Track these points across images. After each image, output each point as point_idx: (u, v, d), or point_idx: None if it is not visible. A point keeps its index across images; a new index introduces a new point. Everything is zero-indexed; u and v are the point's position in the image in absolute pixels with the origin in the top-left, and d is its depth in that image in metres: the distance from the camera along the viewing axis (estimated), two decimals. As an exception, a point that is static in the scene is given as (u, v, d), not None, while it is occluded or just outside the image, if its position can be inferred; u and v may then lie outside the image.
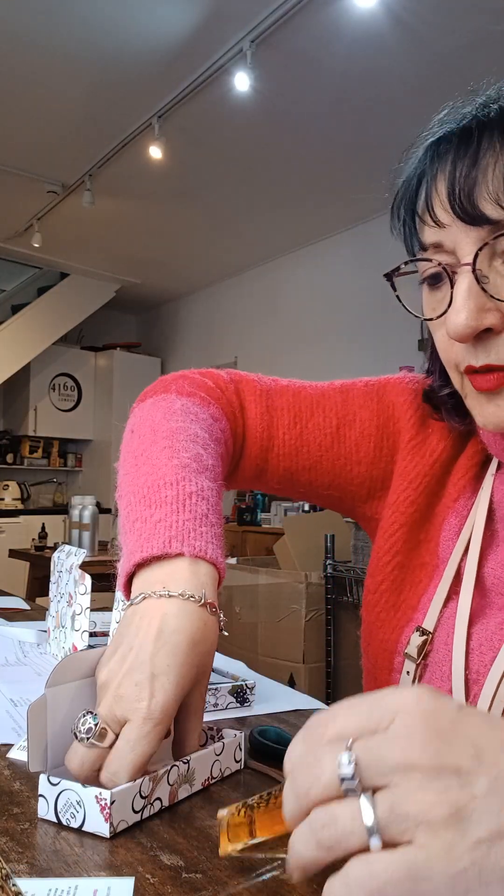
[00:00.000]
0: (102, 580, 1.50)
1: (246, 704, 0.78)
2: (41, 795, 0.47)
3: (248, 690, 0.79)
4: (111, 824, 0.45)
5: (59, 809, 0.47)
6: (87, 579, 0.90)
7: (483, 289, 0.51)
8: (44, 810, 0.47)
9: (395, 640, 0.65)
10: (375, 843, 0.29)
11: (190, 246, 5.43)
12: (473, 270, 0.51)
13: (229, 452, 0.70)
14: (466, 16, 2.76)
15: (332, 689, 2.79)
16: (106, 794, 0.45)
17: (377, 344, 4.66)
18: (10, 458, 6.35)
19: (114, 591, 0.84)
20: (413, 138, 0.59)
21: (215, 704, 0.77)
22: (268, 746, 0.60)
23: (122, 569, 0.55)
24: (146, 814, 0.48)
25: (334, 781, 0.30)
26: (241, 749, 0.58)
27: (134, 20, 2.86)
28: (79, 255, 5.64)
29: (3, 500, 6.11)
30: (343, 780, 0.30)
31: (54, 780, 0.47)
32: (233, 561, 3.44)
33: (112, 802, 0.45)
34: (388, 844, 0.29)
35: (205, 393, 0.70)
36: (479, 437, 0.66)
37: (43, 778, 0.47)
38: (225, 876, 0.41)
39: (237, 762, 0.58)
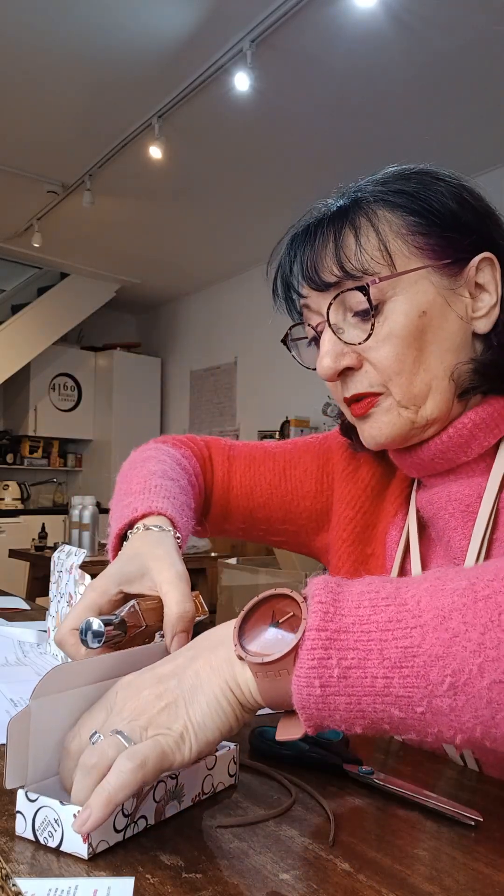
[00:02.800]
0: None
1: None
2: (18, 812, 0.45)
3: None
4: (90, 845, 0.43)
5: (36, 827, 0.45)
6: (87, 579, 0.90)
7: (339, 337, 0.66)
8: (21, 828, 0.45)
9: None
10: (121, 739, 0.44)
11: (190, 246, 5.43)
12: (329, 325, 0.66)
13: (200, 484, 0.85)
14: (466, 16, 2.76)
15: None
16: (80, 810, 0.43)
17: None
18: (10, 458, 6.35)
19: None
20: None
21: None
22: (268, 746, 0.60)
23: (110, 541, 0.72)
24: (129, 833, 0.46)
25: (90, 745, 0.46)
26: (234, 763, 0.55)
27: (134, 20, 2.86)
28: (79, 255, 5.64)
29: (3, 500, 6.11)
30: (92, 736, 0.46)
31: (32, 796, 0.45)
32: (233, 561, 3.43)
33: None
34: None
35: (179, 442, 0.89)
36: None
37: (21, 794, 0.45)
38: (225, 876, 0.41)
39: (231, 776, 0.55)
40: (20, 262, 5.82)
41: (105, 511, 4.20)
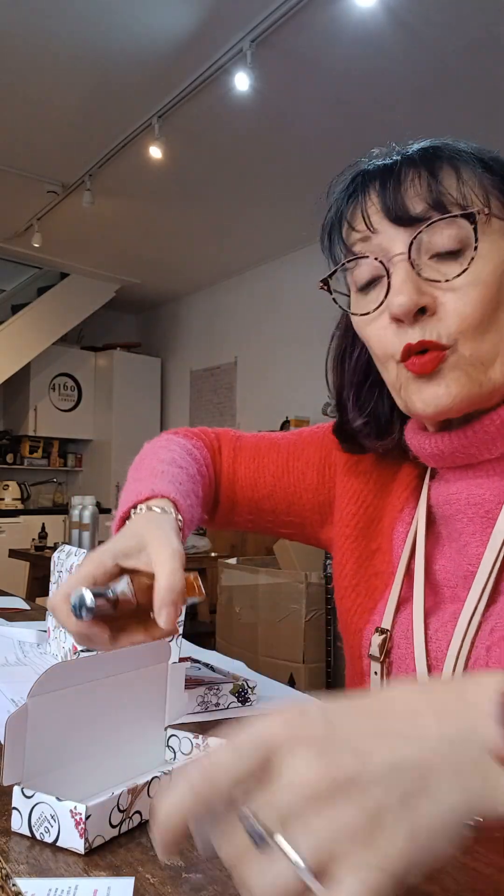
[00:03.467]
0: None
1: (247, 704, 0.78)
2: (14, 808, 0.45)
3: (249, 690, 0.79)
4: (86, 840, 0.43)
5: (32, 823, 0.45)
6: (87, 579, 0.90)
7: (418, 274, 0.60)
8: (17, 823, 0.45)
9: (359, 645, 0.70)
10: (309, 879, 0.28)
11: (190, 246, 5.43)
12: (409, 259, 0.60)
13: (210, 475, 0.84)
14: (466, 16, 2.76)
15: (332, 689, 2.79)
16: (81, 808, 0.43)
17: (377, 344, 4.66)
18: (10, 458, 6.35)
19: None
20: (410, 137, 0.67)
21: (217, 704, 0.77)
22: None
23: (116, 519, 0.69)
24: (124, 828, 0.46)
25: (249, 844, 0.30)
26: None
27: (134, 20, 2.86)
28: (79, 255, 5.64)
29: (3, 500, 6.11)
30: (252, 837, 0.29)
31: (28, 792, 0.45)
32: (233, 561, 3.43)
33: (88, 817, 0.43)
34: (320, 877, 0.28)
35: (190, 433, 0.88)
36: (409, 453, 0.72)
37: (17, 790, 0.46)
38: (225, 876, 0.41)
39: None
40: (20, 262, 5.82)
41: (105, 511, 4.21)
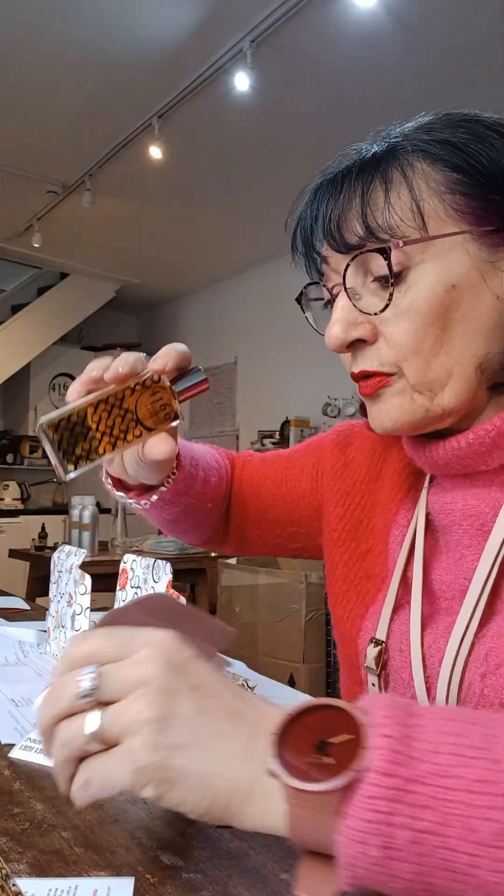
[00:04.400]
0: (102, 580, 1.50)
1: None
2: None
3: (249, 690, 0.80)
4: None
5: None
6: (87, 579, 0.90)
7: (354, 304, 0.58)
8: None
9: (355, 654, 0.68)
10: (93, 747, 0.38)
11: (190, 246, 5.43)
12: (345, 288, 0.58)
13: (224, 487, 0.85)
14: (466, 16, 2.76)
15: (332, 689, 2.79)
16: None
17: (377, 344, 4.66)
18: (10, 458, 6.35)
19: (114, 592, 0.84)
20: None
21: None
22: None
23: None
24: None
25: (76, 697, 0.38)
26: None
27: (134, 20, 2.86)
28: (79, 255, 5.64)
29: (3, 500, 6.11)
30: (84, 695, 0.38)
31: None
32: (233, 561, 3.43)
33: None
34: (112, 746, 0.38)
35: (214, 447, 0.90)
36: (405, 453, 0.72)
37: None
38: (225, 876, 0.41)
39: None
40: (20, 262, 5.82)
41: (105, 511, 4.20)
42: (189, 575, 3.82)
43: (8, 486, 6.19)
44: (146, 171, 4.07)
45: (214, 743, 0.38)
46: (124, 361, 0.60)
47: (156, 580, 0.76)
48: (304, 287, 0.67)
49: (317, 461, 0.83)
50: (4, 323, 5.84)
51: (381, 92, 3.27)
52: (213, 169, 4.12)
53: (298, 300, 0.68)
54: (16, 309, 6.04)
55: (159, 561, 0.77)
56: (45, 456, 6.48)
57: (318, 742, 0.37)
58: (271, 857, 0.43)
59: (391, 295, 0.56)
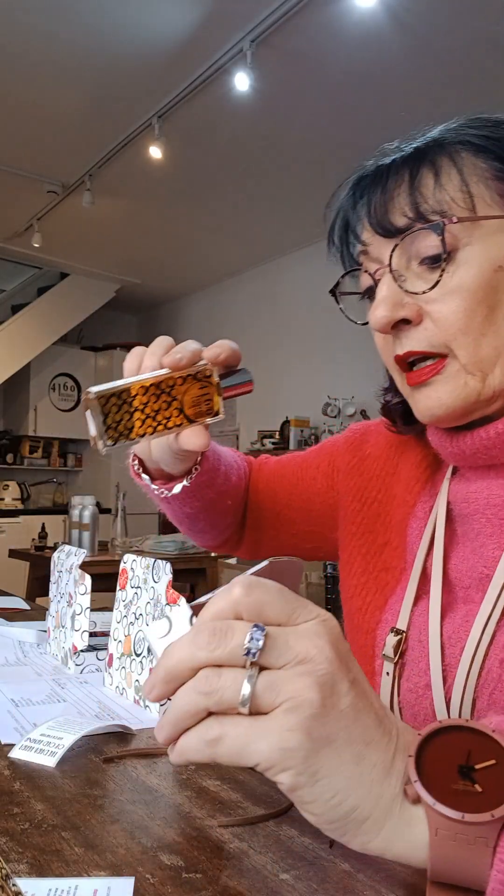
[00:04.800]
0: (102, 580, 1.49)
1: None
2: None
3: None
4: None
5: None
6: (87, 579, 0.90)
7: (399, 285, 0.59)
8: None
9: (372, 644, 0.68)
10: (242, 710, 0.34)
11: (190, 246, 5.43)
12: (391, 270, 0.59)
13: (243, 487, 0.86)
14: (466, 16, 2.76)
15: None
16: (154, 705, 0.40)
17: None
18: (10, 458, 6.35)
19: (114, 592, 0.84)
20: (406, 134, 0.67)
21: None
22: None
23: None
24: None
25: (238, 650, 0.35)
26: None
27: (134, 20, 2.86)
28: (79, 255, 5.64)
29: (3, 500, 6.11)
30: (248, 651, 0.35)
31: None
32: (233, 561, 3.43)
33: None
34: (255, 714, 0.35)
35: (233, 450, 0.91)
36: (421, 448, 0.74)
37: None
38: (225, 876, 0.41)
39: None
40: (20, 262, 5.82)
41: (105, 511, 4.19)
42: (189, 575, 3.82)
43: (8, 486, 6.19)
44: (146, 171, 4.07)
45: (364, 750, 0.35)
46: (186, 351, 0.62)
47: (156, 580, 0.76)
48: (342, 277, 0.67)
49: (332, 460, 0.85)
50: (4, 323, 5.84)
51: (381, 92, 3.27)
52: (213, 169, 4.12)
53: (332, 292, 0.67)
54: (16, 309, 6.04)
55: (159, 561, 0.77)
56: (45, 455, 6.49)
57: (459, 767, 0.35)
58: (271, 857, 0.43)
59: (442, 271, 0.57)
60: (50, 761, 0.58)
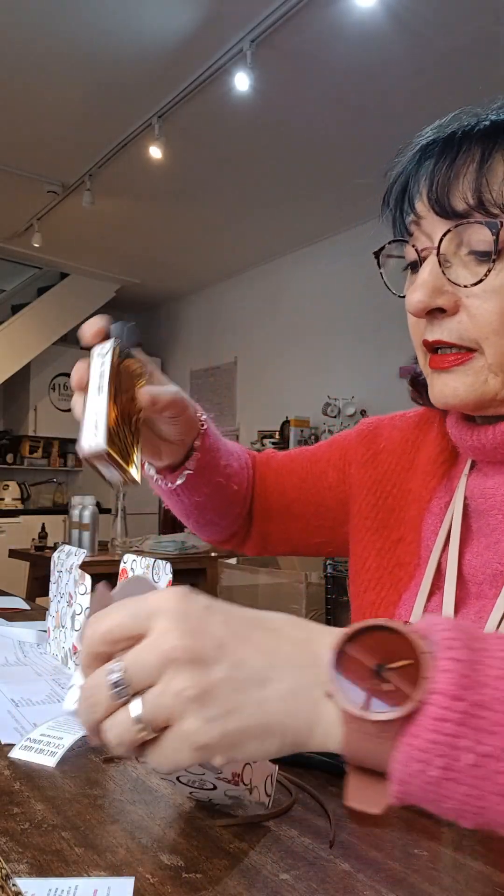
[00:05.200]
0: (102, 580, 1.49)
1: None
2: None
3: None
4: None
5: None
6: (87, 579, 0.90)
7: (443, 272, 0.58)
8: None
9: None
10: (147, 734, 0.36)
11: (190, 246, 5.43)
12: (438, 254, 0.57)
13: (246, 480, 0.84)
14: (466, 16, 2.76)
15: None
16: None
17: (377, 344, 4.66)
18: (10, 458, 6.35)
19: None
20: (410, 137, 0.65)
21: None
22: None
23: None
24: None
25: (112, 697, 0.37)
26: (270, 785, 0.48)
27: (134, 20, 2.86)
28: (79, 255, 5.64)
29: (3, 500, 6.11)
30: (116, 687, 0.36)
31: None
32: (233, 561, 3.43)
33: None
34: (166, 728, 0.36)
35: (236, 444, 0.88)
36: (438, 442, 0.73)
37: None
38: (225, 876, 0.41)
39: (268, 795, 0.48)
40: (20, 262, 5.82)
41: (105, 511, 4.20)
42: (189, 575, 3.82)
43: (8, 486, 6.19)
44: (146, 171, 4.07)
45: (262, 692, 0.37)
46: (102, 354, 0.60)
47: (156, 580, 0.76)
48: (388, 243, 0.65)
49: (343, 453, 0.83)
50: (4, 323, 5.84)
51: (381, 92, 3.27)
52: (213, 169, 4.12)
53: (377, 254, 0.65)
54: (16, 309, 6.04)
55: (159, 561, 0.77)
56: (45, 455, 6.49)
57: (375, 667, 0.36)
58: (271, 857, 0.43)
59: (489, 271, 0.55)
60: (50, 761, 0.58)
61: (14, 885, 0.36)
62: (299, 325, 5.39)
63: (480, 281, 0.56)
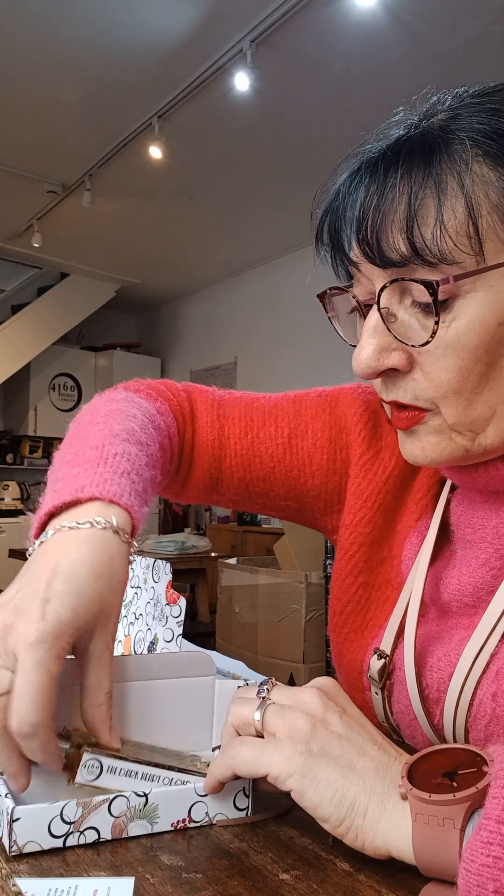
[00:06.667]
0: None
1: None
2: None
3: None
4: (14, 842, 0.41)
5: None
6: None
7: (388, 328, 0.51)
8: None
9: (362, 660, 0.64)
10: (254, 729, 0.46)
11: (190, 246, 5.43)
12: (379, 310, 0.51)
13: (173, 449, 0.69)
14: (466, 16, 2.76)
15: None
16: (9, 805, 0.41)
17: (377, 344, 4.66)
18: (10, 458, 6.35)
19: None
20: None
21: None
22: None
23: (34, 520, 0.53)
24: (73, 842, 0.43)
25: (255, 698, 0.47)
26: (246, 795, 0.48)
27: (134, 20, 2.86)
28: (79, 255, 5.64)
29: (3, 500, 6.11)
30: (259, 693, 0.48)
31: None
32: (233, 561, 3.43)
33: (15, 820, 0.41)
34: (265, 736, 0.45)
35: (154, 392, 0.70)
36: None
37: None
38: (225, 876, 0.41)
39: (240, 810, 0.48)
40: (20, 262, 5.83)
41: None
42: (189, 575, 3.82)
43: (8, 486, 6.19)
44: (146, 171, 4.07)
45: (357, 758, 0.44)
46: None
47: (156, 580, 0.76)
48: (329, 290, 0.58)
49: (336, 435, 0.71)
50: (4, 323, 5.84)
51: (381, 92, 3.27)
52: (213, 169, 4.12)
53: (321, 297, 0.59)
54: (16, 309, 6.04)
55: (159, 561, 0.77)
56: (45, 455, 6.49)
57: (445, 773, 0.41)
58: (271, 857, 0.43)
59: (435, 331, 0.49)
60: None
61: (14, 885, 0.36)
62: (299, 325, 5.39)
63: (429, 341, 0.49)
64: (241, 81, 3.09)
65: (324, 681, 0.49)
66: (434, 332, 0.48)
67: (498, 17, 2.75)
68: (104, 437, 0.58)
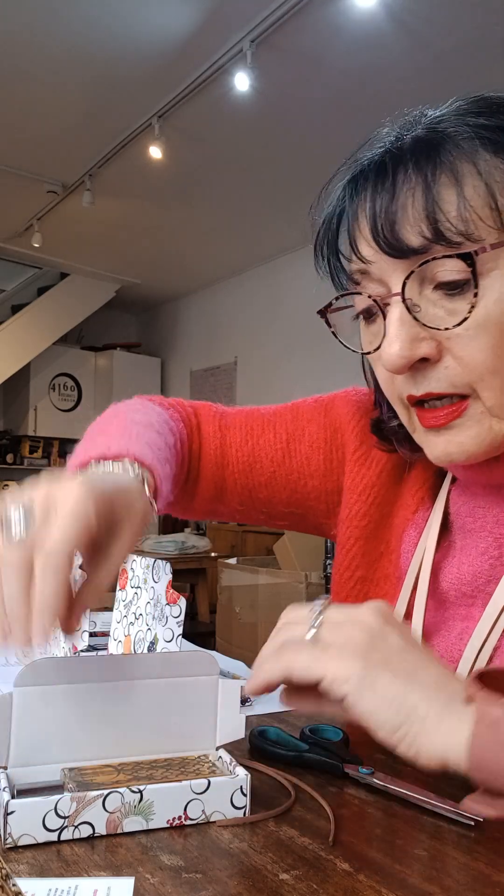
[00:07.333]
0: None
1: (247, 704, 0.78)
2: None
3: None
4: (9, 834, 0.42)
5: None
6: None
7: (415, 318, 0.51)
8: None
9: None
10: (308, 635, 0.47)
11: (190, 246, 5.43)
12: (403, 300, 0.51)
13: (184, 454, 0.71)
14: (466, 16, 2.76)
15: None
16: (5, 798, 0.42)
17: (377, 344, 4.66)
18: (10, 458, 6.35)
19: (114, 591, 0.84)
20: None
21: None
22: (268, 746, 0.60)
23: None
24: (67, 836, 0.43)
25: (309, 611, 0.49)
26: (243, 793, 0.48)
27: (134, 20, 2.86)
28: (79, 255, 5.64)
29: (3, 500, 6.11)
30: (314, 608, 0.49)
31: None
32: (233, 561, 3.44)
33: (10, 813, 0.42)
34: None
35: (166, 403, 0.75)
36: None
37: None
38: (225, 876, 0.41)
39: (238, 809, 0.48)
40: (20, 262, 5.83)
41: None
42: (189, 575, 3.82)
43: (8, 486, 6.18)
44: (146, 171, 4.07)
45: (415, 669, 0.45)
46: None
47: (156, 580, 0.76)
48: (335, 299, 0.58)
49: (331, 436, 0.73)
50: (4, 323, 5.85)
51: (381, 92, 3.27)
52: (213, 169, 4.12)
53: (322, 313, 0.60)
54: (16, 309, 6.04)
55: (159, 561, 0.77)
56: (45, 455, 6.49)
57: None
58: (271, 857, 0.43)
59: (472, 307, 0.49)
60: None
61: (14, 884, 0.36)
62: (300, 326, 5.38)
63: (465, 319, 0.49)
64: (241, 81, 3.09)
65: (380, 603, 0.48)
66: (472, 307, 0.49)
67: (498, 17, 2.75)
68: (124, 423, 0.62)
